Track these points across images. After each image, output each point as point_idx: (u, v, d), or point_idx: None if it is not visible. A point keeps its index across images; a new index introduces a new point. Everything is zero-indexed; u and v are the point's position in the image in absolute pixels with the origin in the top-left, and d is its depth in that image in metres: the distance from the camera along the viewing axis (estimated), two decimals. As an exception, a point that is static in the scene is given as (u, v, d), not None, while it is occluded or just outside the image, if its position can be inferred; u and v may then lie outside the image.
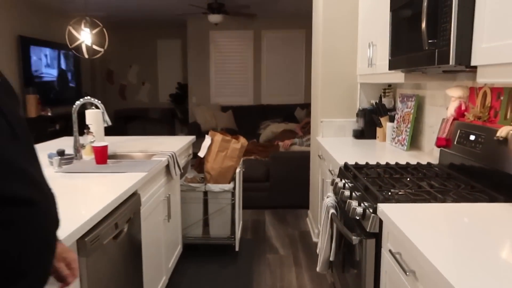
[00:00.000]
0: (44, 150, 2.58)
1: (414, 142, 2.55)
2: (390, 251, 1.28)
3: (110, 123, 2.27)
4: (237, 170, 2.82)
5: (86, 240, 1.27)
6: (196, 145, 3.12)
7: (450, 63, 1.37)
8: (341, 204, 1.87)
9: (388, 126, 2.78)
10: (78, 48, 2.71)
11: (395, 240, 1.29)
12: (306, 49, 7.37)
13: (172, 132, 8.59)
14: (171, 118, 8.48)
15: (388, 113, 2.82)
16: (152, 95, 8.69)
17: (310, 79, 7.52)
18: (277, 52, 7.41)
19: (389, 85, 2.98)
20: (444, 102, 2.19)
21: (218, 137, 2.82)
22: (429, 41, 1.49)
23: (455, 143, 1.87)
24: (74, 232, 1.20)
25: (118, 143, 2.88)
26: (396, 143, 2.63)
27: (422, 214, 1.30)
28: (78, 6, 6.00)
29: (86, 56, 2.78)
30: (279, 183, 3.95)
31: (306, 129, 5.38)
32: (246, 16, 5.80)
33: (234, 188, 2.84)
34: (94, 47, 2.80)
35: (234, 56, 7.44)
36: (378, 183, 1.67)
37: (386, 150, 2.55)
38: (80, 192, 1.62)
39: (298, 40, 7.37)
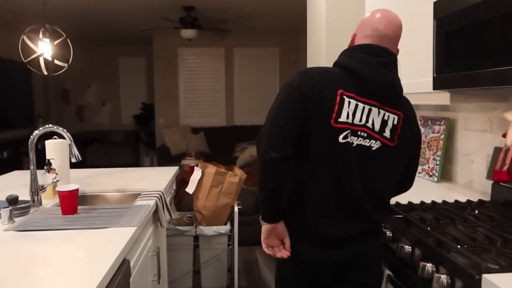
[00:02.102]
0: (-11, 193, 1.99)
1: (443, 172, 2.21)
2: None
3: (80, 158, 1.75)
4: (235, 209, 2.36)
5: None
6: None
7: None
8: (394, 261, 1.46)
9: (406, 153, 2.44)
10: (35, 63, 2.18)
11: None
12: (280, 67, 7.08)
13: (136, 156, 7.94)
14: (135, 141, 7.85)
15: (406, 138, 2.48)
16: (114, 116, 8.03)
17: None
18: (250, 70, 7.06)
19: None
20: (489, 126, 1.87)
21: (211, 169, 2.36)
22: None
23: (523, 178, 1.53)
24: None
25: (85, 179, 2.33)
26: (419, 172, 2.28)
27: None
28: (31, 17, 5.36)
29: (45, 72, 2.24)
30: (270, 215, 3.51)
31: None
32: (221, 32, 5.42)
33: (231, 230, 2.37)
34: (56, 62, 2.27)
35: (205, 75, 7.01)
36: (451, 235, 1.28)
37: (411, 181, 2.20)
38: (45, 265, 1.10)
39: (271, 58, 7.07)
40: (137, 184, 2.15)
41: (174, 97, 6.98)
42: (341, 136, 1.21)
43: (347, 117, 1.22)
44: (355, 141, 1.23)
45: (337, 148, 1.22)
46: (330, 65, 1.37)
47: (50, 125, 1.76)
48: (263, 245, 1.34)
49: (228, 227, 2.35)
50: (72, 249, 1.23)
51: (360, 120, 1.23)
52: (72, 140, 1.75)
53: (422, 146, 2.31)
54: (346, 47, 1.39)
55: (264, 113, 5.71)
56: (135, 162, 7.86)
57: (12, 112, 5.79)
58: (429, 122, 2.28)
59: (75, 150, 1.75)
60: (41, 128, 1.73)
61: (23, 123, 6.06)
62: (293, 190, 1.27)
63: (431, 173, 2.18)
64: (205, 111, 7.06)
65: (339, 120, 1.22)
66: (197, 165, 2.39)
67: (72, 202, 1.57)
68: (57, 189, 1.56)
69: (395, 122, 1.27)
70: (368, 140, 1.24)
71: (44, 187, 1.77)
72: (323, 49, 2.75)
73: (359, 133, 1.23)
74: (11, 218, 1.49)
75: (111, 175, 2.44)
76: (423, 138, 2.33)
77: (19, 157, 5.39)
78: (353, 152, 1.23)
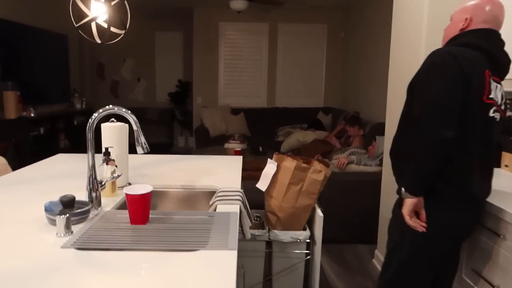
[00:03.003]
0: (33, 182, 1.65)
1: None
2: None
3: (148, 149, 1.39)
4: (319, 213, 1.96)
5: None
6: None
7: None
8: None
9: (528, 152, 1.98)
10: (86, 28, 1.81)
11: None
12: (327, 46, 6.56)
13: (170, 135, 7.66)
14: (170, 119, 7.54)
15: (529, 133, 2.02)
16: (149, 93, 7.73)
17: (331, 80, 6.73)
18: (295, 48, 6.57)
19: (515, 93, 2.18)
20: None
21: (289, 163, 1.96)
22: None
23: None
24: None
25: (140, 169, 1.99)
26: (552, 178, 1.83)
27: None
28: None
29: (98, 40, 1.88)
30: (333, 212, 3.12)
31: (342, 139, 4.56)
32: (273, 4, 4.94)
33: (311, 237, 1.99)
34: (112, 29, 1.90)
35: (247, 52, 6.56)
36: None
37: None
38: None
39: (318, 36, 6.54)
40: (205, 180, 1.78)
41: (214, 75, 6.59)
42: (491, 111, 1.41)
43: (493, 94, 1.41)
44: (491, 113, 1.42)
45: (487, 121, 1.40)
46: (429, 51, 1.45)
47: (111, 106, 1.39)
48: (407, 217, 1.43)
49: (307, 233, 1.97)
50: (155, 287, 0.87)
51: (495, 96, 1.42)
52: (139, 126, 1.38)
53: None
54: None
55: (308, 95, 5.23)
56: (169, 142, 7.59)
57: (48, 86, 5.53)
58: None
59: (143, 139, 1.38)
60: (100, 110, 1.37)
61: (59, 98, 5.82)
62: (450, 161, 1.38)
63: None
64: (245, 91, 6.64)
65: (489, 96, 1.40)
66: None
67: (143, 209, 1.21)
68: (125, 191, 1.20)
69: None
70: (496, 113, 1.43)
71: (103, 183, 1.42)
72: (423, 34, 2.28)
73: (494, 107, 1.42)
74: (68, 227, 1.15)
75: (168, 165, 2.08)
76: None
77: (55, 134, 5.15)
78: (492, 123, 1.42)
